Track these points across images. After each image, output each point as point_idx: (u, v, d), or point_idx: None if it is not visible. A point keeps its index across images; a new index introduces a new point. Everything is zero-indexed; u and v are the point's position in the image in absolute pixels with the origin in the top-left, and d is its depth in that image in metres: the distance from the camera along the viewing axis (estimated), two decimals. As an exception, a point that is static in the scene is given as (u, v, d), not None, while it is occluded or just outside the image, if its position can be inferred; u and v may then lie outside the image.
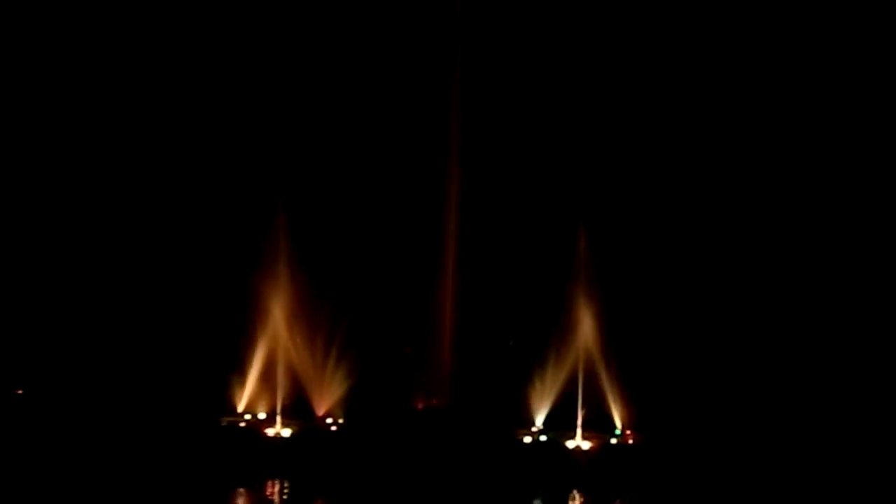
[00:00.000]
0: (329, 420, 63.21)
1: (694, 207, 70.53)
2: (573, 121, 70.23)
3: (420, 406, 65.06)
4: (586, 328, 64.06)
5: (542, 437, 61.88)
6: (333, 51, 71.09)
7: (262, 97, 70.52)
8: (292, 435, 61.97)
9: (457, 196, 68.91)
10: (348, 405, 63.76)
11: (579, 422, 61.91)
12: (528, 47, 69.90)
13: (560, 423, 62.59)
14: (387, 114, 69.78)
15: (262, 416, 63.25)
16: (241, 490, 55.56)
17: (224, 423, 62.74)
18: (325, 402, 63.68)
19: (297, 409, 63.61)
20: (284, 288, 64.85)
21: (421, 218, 68.80)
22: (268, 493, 56.16)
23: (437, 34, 69.03)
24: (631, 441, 62.08)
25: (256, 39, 70.78)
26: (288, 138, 69.99)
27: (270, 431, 62.03)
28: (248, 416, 63.26)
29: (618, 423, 62.62)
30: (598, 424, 62.68)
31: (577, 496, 57.72)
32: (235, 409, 63.63)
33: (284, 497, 56.06)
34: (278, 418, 62.43)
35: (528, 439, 61.77)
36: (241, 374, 63.92)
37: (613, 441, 61.90)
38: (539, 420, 62.99)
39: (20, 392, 66.54)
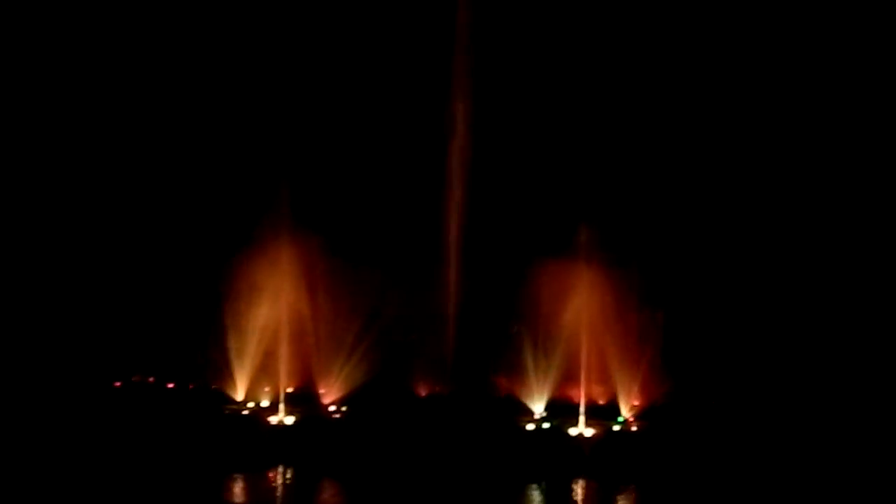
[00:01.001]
0: (332, 408, 63.11)
1: (695, 201, 70.75)
2: (577, 115, 70.14)
3: (423, 393, 65.12)
4: (590, 315, 64.02)
5: (545, 425, 61.71)
6: (334, 42, 71.20)
7: (265, 84, 70.79)
8: (295, 423, 61.83)
9: (460, 183, 69.07)
10: (353, 392, 63.71)
11: (582, 409, 61.76)
12: (530, 36, 70.03)
13: (563, 410, 62.51)
14: (387, 106, 69.81)
15: (265, 403, 63.19)
16: (243, 477, 55.81)
17: (227, 412, 62.61)
18: (333, 390, 63.66)
19: (302, 396, 63.48)
20: (289, 274, 64.82)
21: (423, 206, 68.93)
22: (270, 481, 56.33)
23: (441, 20, 69.11)
24: (634, 428, 61.95)
25: (254, 20, 71.00)
26: (290, 136, 70.10)
27: (273, 419, 61.87)
28: (250, 405, 63.14)
29: (622, 411, 62.64)
30: (602, 411, 62.64)
31: (580, 483, 57.59)
32: (237, 397, 63.65)
33: (287, 483, 56.38)
34: (281, 406, 62.29)
35: (530, 426, 61.58)
36: (245, 362, 63.83)
37: (617, 428, 61.74)
38: (541, 407, 62.96)
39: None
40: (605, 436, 61.11)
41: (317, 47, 71.05)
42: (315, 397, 63.64)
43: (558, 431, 61.25)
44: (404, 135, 69.67)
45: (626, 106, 70.43)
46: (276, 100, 70.44)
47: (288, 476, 57.18)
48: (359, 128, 70.36)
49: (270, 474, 57.03)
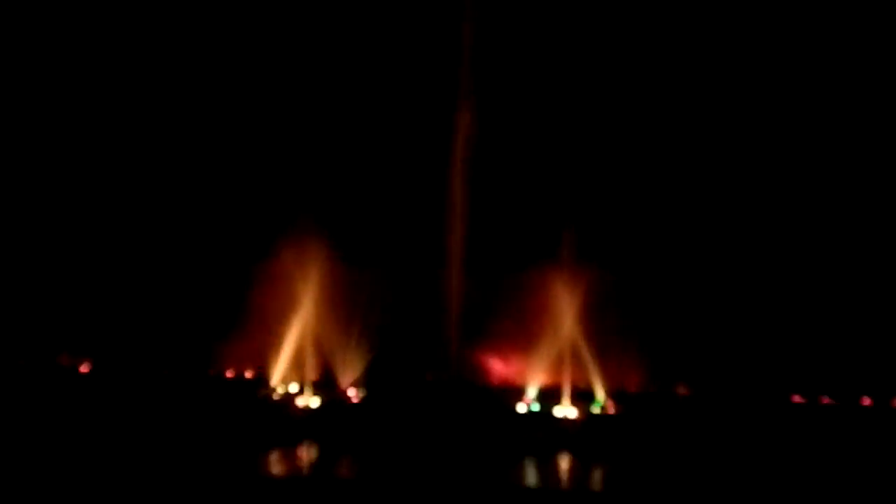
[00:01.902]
0: (351, 392, 68.40)
1: (684, 203, 72.40)
2: (571, 121, 71.86)
3: (430, 379, 70.35)
4: (574, 313, 68.81)
5: (535, 407, 66.98)
6: (340, 47, 72.33)
7: (269, 87, 72.15)
8: (319, 406, 67.07)
9: (463, 173, 70.97)
10: (368, 379, 68.59)
11: (567, 394, 66.80)
12: (531, 48, 71.63)
13: (550, 394, 67.23)
14: (388, 112, 71.30)
15: (293, 388, 68.39)
16: (279, 450, 60.74)
17: (260, 396, 67.93)
18: (349, 376, 68.68)
19: (324, 383, 68.37)
20: (311, 272, 68.82)
21: (427, 195, 71.20)
22: (299, 454, 61.27)
23: (445, 32, 70.67)
24: (612, 411, 66.91)
25: (261, 24, 71.65)
26: (293, 139, 71.92)
27: (301, 402, 67.17)
28: (280, 390, 68.35)
29: (599, 395, 67.36)
30: (586, 396, 67.25)
31: (564, 457, 62.12)
32: (271, 383, 68.71)
33: (314, 457, 60.97)
34: (307, 391, 67.64)
35: (522, 409, 66.85)
36: (276, 352, 68.89)
37: (596, 411, 66.62)
38: (533, 392, 67.95)
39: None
40: (586, 418, 65.84)
41: (323, 51, 71.76)
42: (335, 384, 68.60)
43: (546, 413, 66.24)
44: (407, 140, 71.51)
45: (622, 113, 71.76)
46: (281, 102, 71.93)
47: (314, 451, 61.87)
48: (364, 133, 71.94)
49: (300, 448, 61.94)
